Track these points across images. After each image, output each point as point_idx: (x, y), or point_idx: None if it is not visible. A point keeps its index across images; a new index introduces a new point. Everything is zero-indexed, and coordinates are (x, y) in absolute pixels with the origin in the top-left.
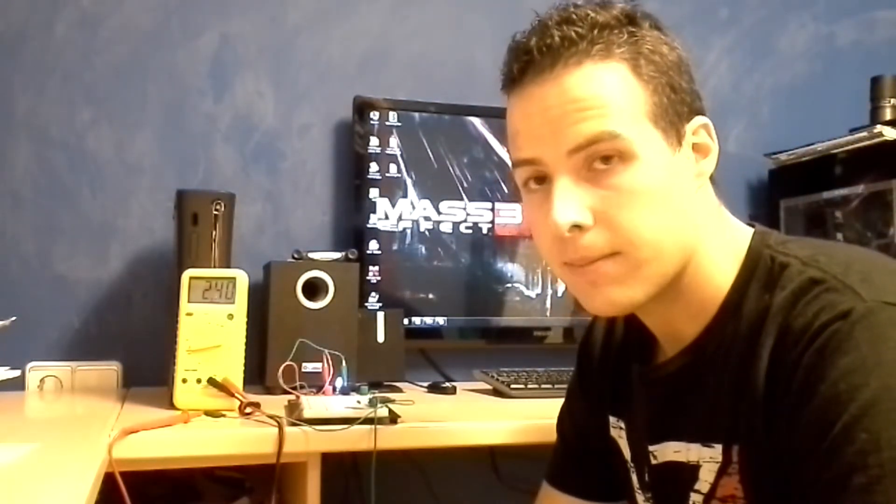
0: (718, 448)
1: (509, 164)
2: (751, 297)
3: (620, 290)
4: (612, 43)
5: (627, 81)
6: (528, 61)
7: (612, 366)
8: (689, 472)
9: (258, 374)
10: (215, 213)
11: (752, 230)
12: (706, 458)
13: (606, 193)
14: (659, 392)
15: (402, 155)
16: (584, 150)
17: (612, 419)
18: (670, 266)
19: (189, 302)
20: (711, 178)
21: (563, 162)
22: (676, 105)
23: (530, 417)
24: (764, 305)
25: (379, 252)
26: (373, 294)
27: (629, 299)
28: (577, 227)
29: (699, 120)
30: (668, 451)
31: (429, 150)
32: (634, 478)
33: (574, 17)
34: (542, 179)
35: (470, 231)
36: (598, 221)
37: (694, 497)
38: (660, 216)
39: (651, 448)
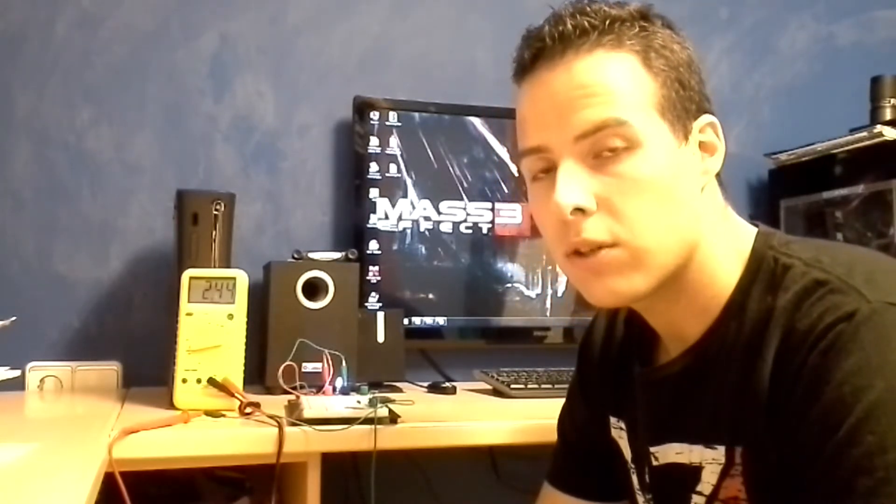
0: (721, 450)
1: (510, 164)
2: (754, 298)
3: (622, 280)
4: (624, 34)
5: (637, 72)
6: (540, 48)
7: (612, 366)
8: (691, 473)
9: (258, 374)
10: (215, 213)
11: (755, 230)
12: (709, 459)
13: (611, 180)
14: (661, 393)
15: (402, 155)
16: (591, 137)
17: (612, 420)
18: (671, 258)
19: (189, 302)
20: (719, 179)
21: (569, 148)
22: (685, 101)
23: (530, 417)
24: (767, 307)
25: (379, 252)
26: (373, 294)
27: (631, 290)
28: (580, 211)
29: (707, 118)
30: (670, 453)
31: (429, 150)
32: (635, 478)
33: (588, 9)
34: (549, 171)
35: (470, 231)
36: (601, 208)
37: (696, 499)
38: (662, 206)
39: (652, 449)
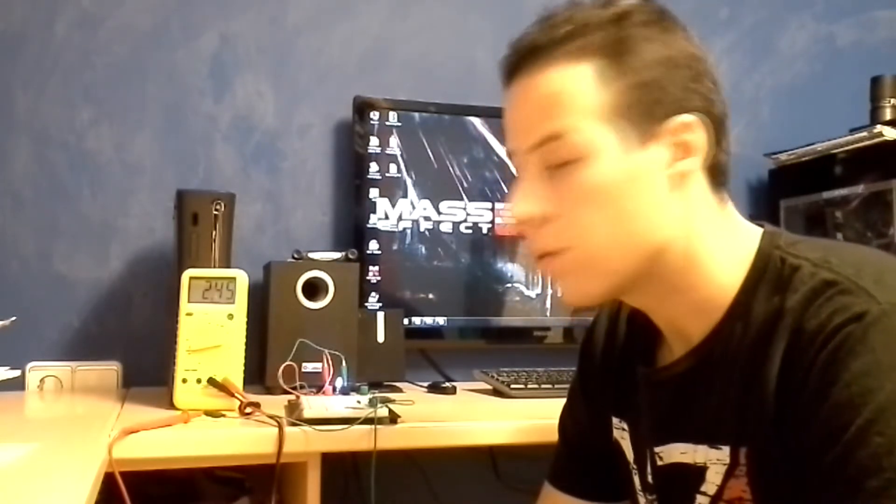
0: (726, 450)
1: (510, 164)
2: (760, 298)
3: (576, 282)
4: (583, 44)
5: (587, 83)
6: (510, 61)
7: (615, 366)
8: (695, 473)
9: (258, 374)
10: (215, 213)
11: (760, 230)
12: (713, 459)
13: (560, 192)
14: (665, 393)
15: (402, 155)
16: (539, 150)
17: (614, 420)
18: (626, 262)
19: (189, 302)
20: (715, 177)
21: (527, 159)
22: (649, 104)
23: (530, 417)
24: (774, 308)
25: (379, 252)
26: (373, 294)
27: (587, 292)
28: (532, 221)
29: (683, 118)
30: (675, 453)
31: (429, 150)
32: (637, 479)
33: (553, 20)
34: None
35: (470, 231)
36: (553, 218)
37: (700, 499)
38: (611, 214)
39: (657, 449)
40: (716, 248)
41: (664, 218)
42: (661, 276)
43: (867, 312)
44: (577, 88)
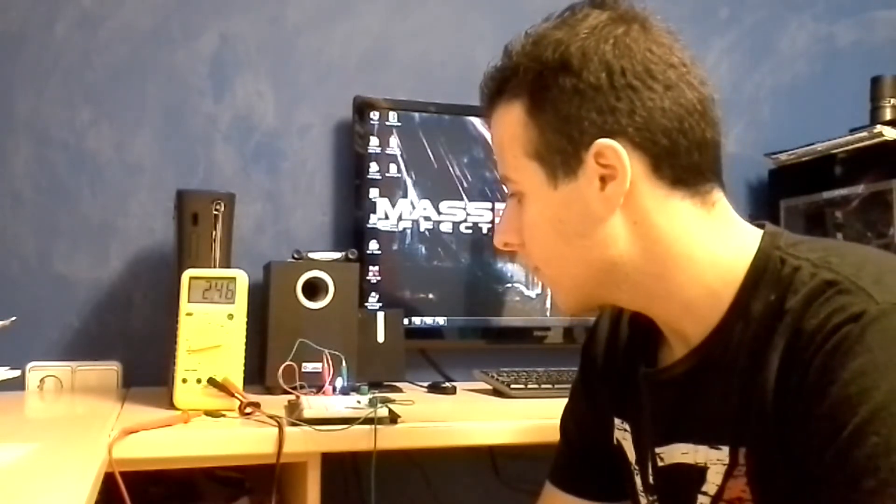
0: (725, 450)
1: None
2: (759, 298)
3: (555, 294)
4: (515, 84)
5: (519, 123)
6: (481, 102)
7: (616, 367)
8: (696, 473)
9: (258, 374)
10: (215, 213)
11: (761, 231)
12: (713, 459)
13: (521, 223)
14: (666, 394)
15: (402, 155)
16: (504, 185)
17: (616, 421)
18: (585, 279)
19: (189, 302)
20: (689, 181)
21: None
22: (569, 136)
23: (530, 417)
24: (774, 308)
25: (379, 252)
26: (373, 294)
27: (565, 304)
28: (510, 247)
29: (596, 145)
30: (676, 453)
31: (429, 150)
32: (638, 480)
33: (501, 62)
34: None
35: (470, 231)
36: (519, 246)
37: (701, 499)
38: (552, 244)
39: (658, 450)
40: (701, 250)
41: (609, 237)
42: (634, 284)
43: (865, 312)
44: (512, 130)
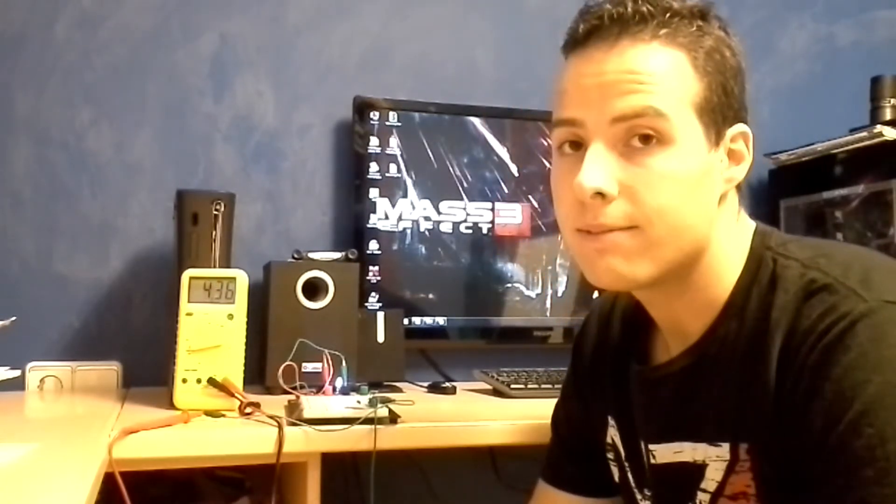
0: (726, 447)
1: (510, 164)
2: (754, 298)
3: (627, 264)
4: (679, 30)
5: (684, 70)
6: (596, 25)
7: (608, 364)
8: (694, 471)
9: (258, 374)
10: (215, 213)
11: (752, 229)
12: (713, 457)
13: (638, 170)
14: (660, 392)
15: (402, 155)
16: (628, 122)
17: (607, 417)
18: (679, 254)
19: (189, 302)
20: (739, 188)
21: (603, 129)
22: (724, 107)
23: (530, 417)
24: (767, 307)
25: (379, 252)
26: (373, 294)
27: (632, 275)
28: (601, 195)
29: (740, 127)
30: (669, 452)
31: (429, 150)
32: (630, 476)
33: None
34: (578, 146)
35: (470, 231)
36: (623, 194)
37: (701, 496)
38: (684, 203)
39: (651, 447)
40: (725, 252)
41: (712, 218)
42: (685, 272)
43: (854, 310)
44: (679, 73)
